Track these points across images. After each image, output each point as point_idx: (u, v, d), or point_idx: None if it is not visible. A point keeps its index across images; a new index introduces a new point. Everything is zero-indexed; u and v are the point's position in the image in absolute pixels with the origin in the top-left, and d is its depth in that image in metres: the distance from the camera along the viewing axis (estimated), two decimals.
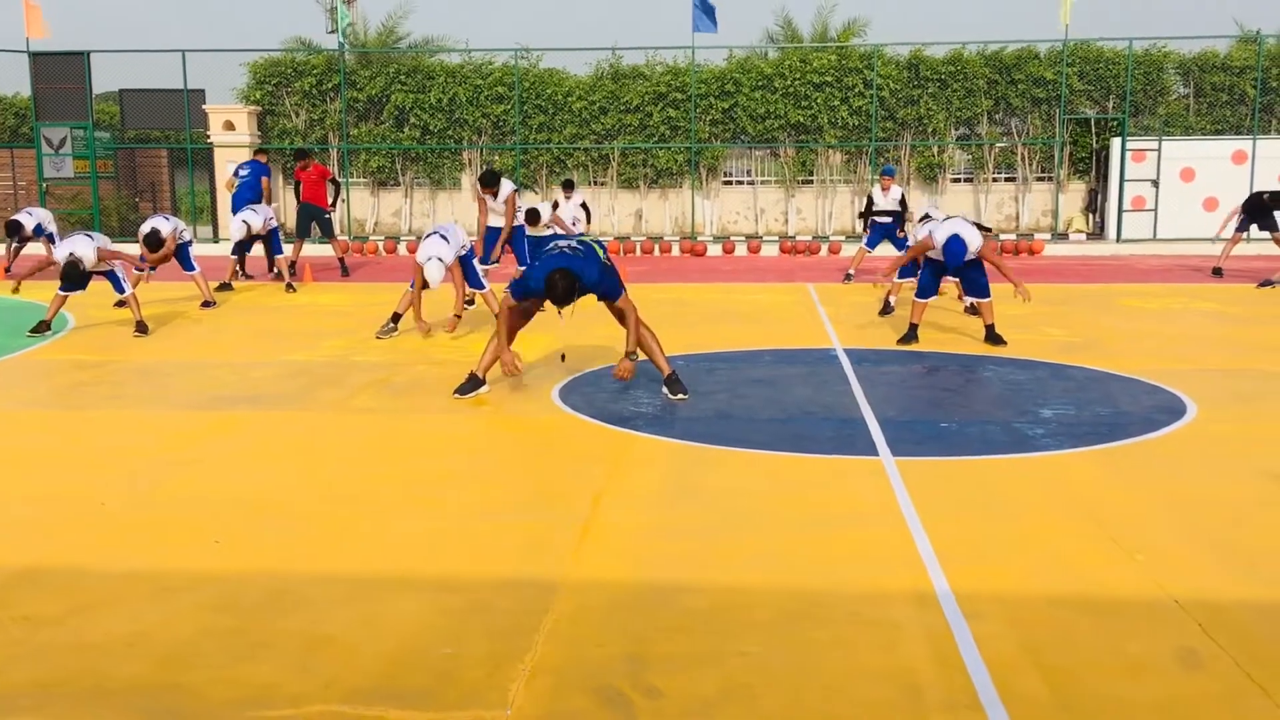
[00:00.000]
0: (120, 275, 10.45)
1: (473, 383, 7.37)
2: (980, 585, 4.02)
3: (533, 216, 13.31)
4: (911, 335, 9.53)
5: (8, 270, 15.67)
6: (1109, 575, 4.16)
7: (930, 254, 9.68)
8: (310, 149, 17.88)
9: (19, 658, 3.46)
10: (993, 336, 9.41)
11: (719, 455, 5.96)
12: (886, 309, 11.36)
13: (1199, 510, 4.99)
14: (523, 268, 12.97)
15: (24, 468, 5.82)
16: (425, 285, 9.72)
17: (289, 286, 13.85)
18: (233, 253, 14.18)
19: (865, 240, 14.96)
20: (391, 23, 25.00)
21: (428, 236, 10.00)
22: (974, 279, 9.66)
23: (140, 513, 5.01)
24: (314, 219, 15.99)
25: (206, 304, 12.14)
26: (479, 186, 12.56)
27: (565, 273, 6.85)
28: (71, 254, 10.09)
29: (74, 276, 10.09)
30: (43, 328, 10.13)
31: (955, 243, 9.26)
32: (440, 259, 9.63)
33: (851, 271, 14.95)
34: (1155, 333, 10.34)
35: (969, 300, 10.47)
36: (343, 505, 5.14)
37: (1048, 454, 5.92)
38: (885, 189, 14.69)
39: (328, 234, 16.45)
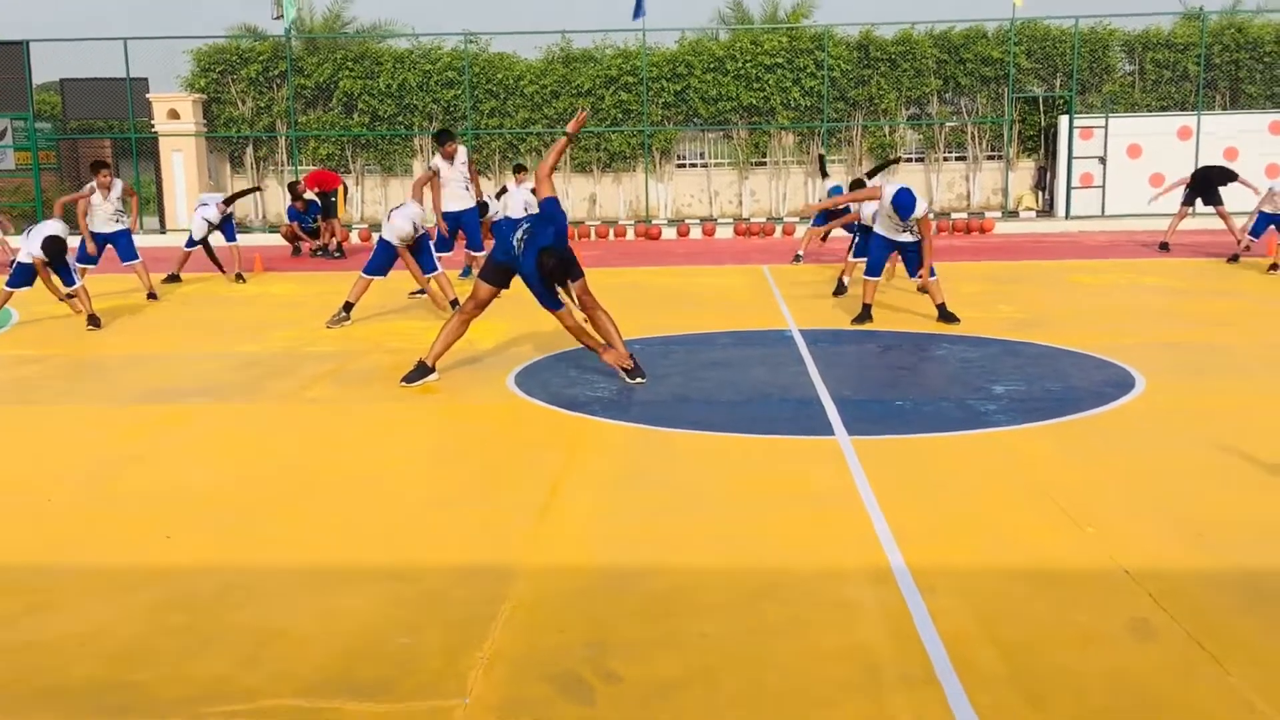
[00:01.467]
0: (70, 266, 10.25)
1: (421, 371, 7.31)
2: (935, 561, 4.06)
3: (482, 209, 13.19)
4: (865, 315, 9.58)
5: None
6: (1061, 548, 4.20)
7: (876, 226, 9.71)
8: (296, 180, 18.22)
9: None
10: (945, 315, 9.48)
11: (676, 438, 5.95)
12: (840, 289, 11.41)
13: (1149, 482, 5.06)
14: (479, 253, 12.90)
15: None
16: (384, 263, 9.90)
17: (239, 276, 13.67)
18: (187, 245, 13.94)
19: (812, 220, 14.99)
20: (338, 8, 24.70)
21: (389, 215, 10.08)
22: (911, 260, 9.68)
23: (90, 508, 4.93)
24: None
25: (151, 295, 11.95)
26: (437, 145, 12.45)
27: (550, 250, 6.85)
28: (22, 262, 9.94)
29: (25, 278, 9.95)
30: None
31: (905, 194, 9.28)
32: (414, 223, 9.80)
33: (800, 253, 14.98)
34: (1104, 308, 10.48)
35: (919, 283, 10.53)
36: (295, 497, 5.08)
37: (1001, 430, 5.98)
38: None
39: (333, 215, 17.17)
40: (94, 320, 10.01)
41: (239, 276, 13.67)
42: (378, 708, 3.05)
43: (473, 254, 13.22)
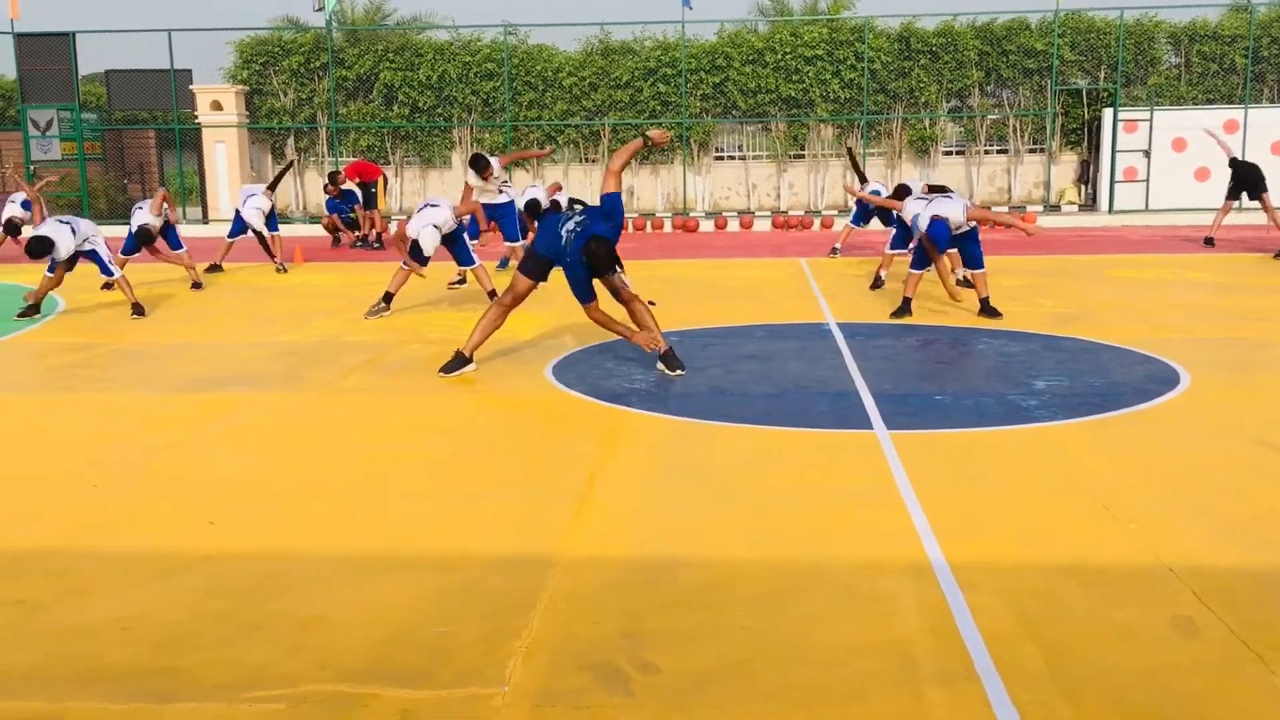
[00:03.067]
0: (105, 258, 10.36)
1: (459, 361, 7.34)
2: (975, 557, 4.02)
3: (533, 208, 13.11)
4: (905, 309, 9.52)
5: None
6: (1103, 545, 4.16)
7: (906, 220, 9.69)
8: (335, 171, 18.31)
9: (12, 642, 3.45)
10: (988, 309, 9.39)
11: (713, 431, 5.95)
12: (877, 283, 11.34)
13: (1193, 479, 4.99)
14: (517, 244, 12.92)
15: (15, 451, 5.79)
16: (415, 252, 9.72)
17: (280, 267, 13.79)
18: (230, 235, 14.09)
19: (851, 218, 14.83)
20: (379, 0, 24.81)
21: (420, 209, 10.00)
22: (969, 250, 9.63)
23: (132, 495, 4.99)
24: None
25: (196, 285, 12.09)
26: (470, 172, 12.48)
27: (601, 239, 6.92)
28: (46, 234, 9.96)
29: (37, 253, 9.91)
30: (31, 311, 10.07)
31: (938, 227, 9.23)
32: (436, 226, 9.66)
33: (838, 246, 14.87)
34: (1148, 303, 10.34)
35: (962, 273, 10.45)
36: (334, 486, 5.12)
37: (1041, 425, 5.92)
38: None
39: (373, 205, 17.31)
40: (138, 309, 10.13)
41: (281, 267, 13.79)
42: (417, 694, 3.07)
43: (511, 246, 13.25)
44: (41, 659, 3.33)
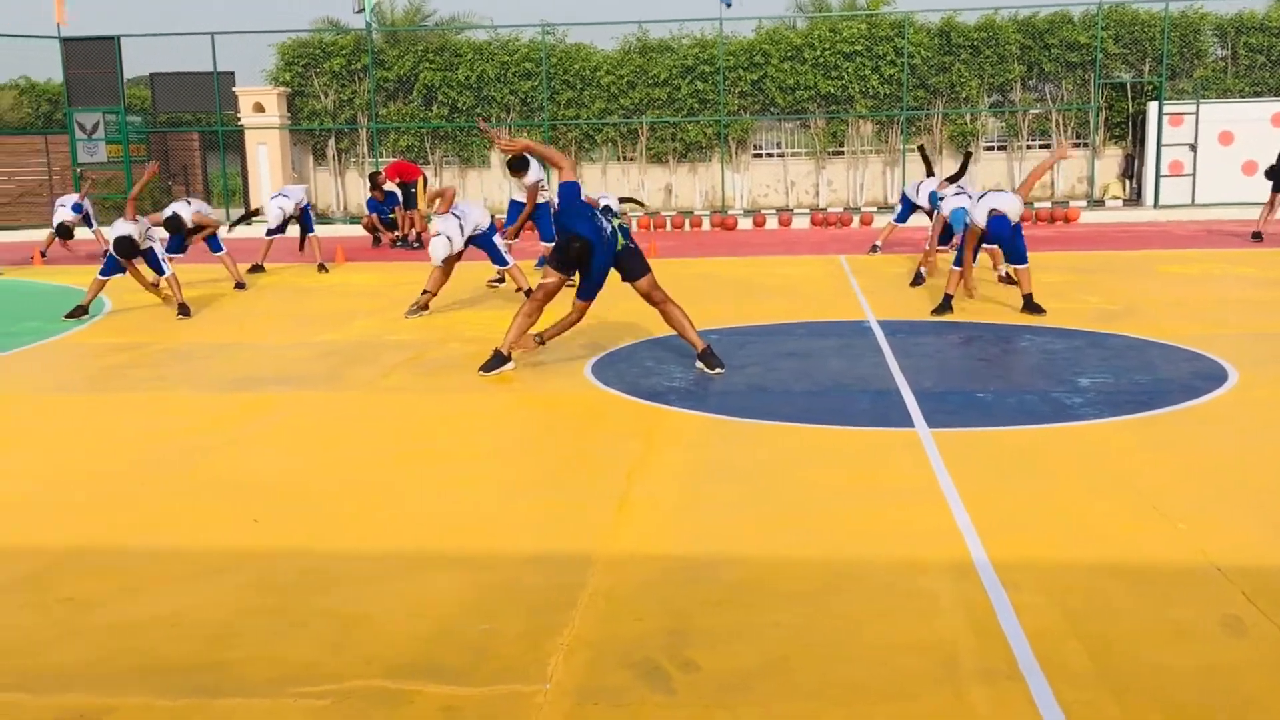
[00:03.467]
0: (160, 256, 10.50)
1: (497, 360, 7.38)
2: (1019, 555, 3.99)
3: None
4: (945, 306, 9.44)
5: (43, 255, 15.86)
6: (1150, 544, 4.11)
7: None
8: (376, 170, 18.44)
9: (65, 638, 3.51)
10: (1031, 305, 9.30)
11: (753, 429, 5.94)
12: (918, 280, 11.26)
13: (1241, 477, 4.92)
14: (550, 243, 12.95)
15: (66, 450, 5.89)
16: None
17: (321, 267, 13.93)
18: (268, 234, 14.25)
19: (895, 215, 14.69)
20: (418, 1, 24.97)
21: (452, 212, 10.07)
22: (1013, 245, 9.51)
23: (179, 494, 5.07)
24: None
25: (239, 285, 12.23)
26: (513, 174, 12.53)
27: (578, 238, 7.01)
28: (128, 234, 10.16)
29: (126, 251, 10.15)
30: (79, 312, 10.23)
31: (999, 222, 9.13)
32: (448, 237, 9.71)
33: (879, 243, 14.75)
34: (1194, 299, 10.20)
35: (1004, 269, 10.36)
36: (377, 484, 5.17)
37: (1086, 423, 5.86)
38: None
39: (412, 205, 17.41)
40: (184, 309, 10.27)
41: (321, 267, 13.92)
42: (460, 691, 3.09)
43: (549, 245, 13.28)
44: (93, 655, 3.39)
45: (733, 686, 3.10)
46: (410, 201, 17.42)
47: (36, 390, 7.48)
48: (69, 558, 4.23)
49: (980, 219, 9.24)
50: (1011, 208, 9.20)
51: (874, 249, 14.64)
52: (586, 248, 7.11)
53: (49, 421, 6.58)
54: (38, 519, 4.73)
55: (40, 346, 9.07)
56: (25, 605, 3.77)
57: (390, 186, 17.40)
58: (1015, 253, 9.51)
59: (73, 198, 15.16)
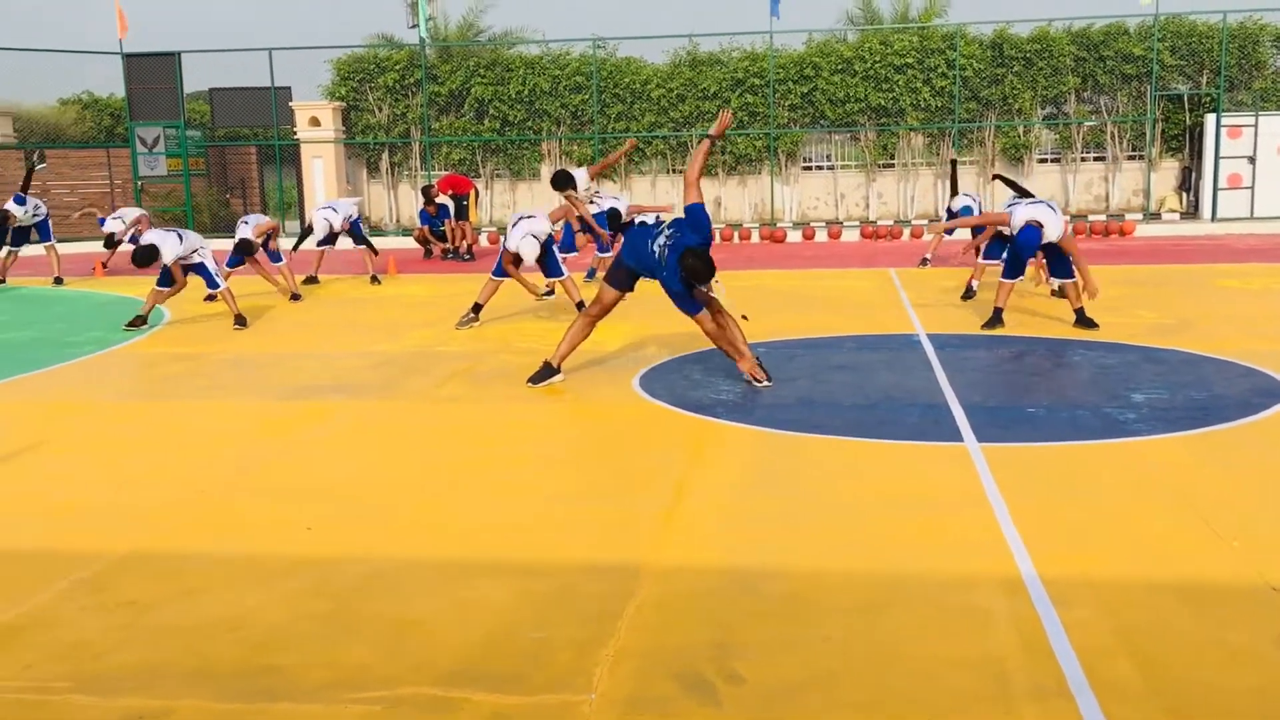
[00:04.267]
0: (211, 270, 10.71)
1: (546, 371, 7.43)
2: (1070, 572, 3.96)
3: (613, 219, 13.12)
4: (996, 319, 9.37)
5: (104, 266, 16.20)
6: (1204, 562, 4.06)
7: (1006, 230, 9.52)
8: (429, 184, 18.61)
9: (125, 641, 3.60)
10: (1083, 320, 9.20)
11: (801, 442, 5.94)
12: (969, 293, 11.18)
13: None
14: (606, 255, 13.00)
15: (128, 456, 6.03)
16: (518, 263, 9.87)
17: (374, 278, 14.10)
18: (319, 245, 14.41)
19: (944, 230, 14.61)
20: (471, 16, 25.24)
21: (516, 221, 10.08)
22: (1060, 259, 9.44)
23: (237, 499, 5.17)
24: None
25: (294, 297, 12.42)
26: (559, 189, 12.57)
27: (695, 251, 6.95)
28: (152, 243, 10.32)
29: (143, 260, 10.25)
30: (139, 322, 10.45)
31: (1029, 232, 9.04)
32: (534, 235, 9.77)
33: (928, 256, 14.67)
34: (1252, 314, 10.03)
35: (1056, 283, 10.26)
36: (429, 492, 5.24)
37: (1140, 439, 5.79)
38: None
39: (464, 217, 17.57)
40: (241, 320, 10.46)
41: (374, 279, 14.11)
42: (508, 700, 3.13)
43: (600, 257, 13.35)
44: (152, 657, 3.47)
45: (779, 700, 3.11)
46: (462, 214, 17.62)
47: (98, 398, 7.66)
48: (130, 561, 4.34)
49: (1016, 222, 9.18)
50: (1052, 225, 9.11)
51: (924, 262, 14.56)
52: (633, 275, 7.35)
53: (111, 428, 6.74)
54: (100, 523, 4.85)
55: (102, 356, 9.28)
56: (87, 608, 3.87)
57: (443, 199, 17.60)
58: (1060, 267, 9.42)
59: (133, 212, 15.42)
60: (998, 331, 9.22)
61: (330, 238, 14.25)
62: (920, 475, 5.27)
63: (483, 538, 4.55)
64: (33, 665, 3.42)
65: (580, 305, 9.99)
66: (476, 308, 10.14)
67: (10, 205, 14.89)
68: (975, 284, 11.27)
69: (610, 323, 8.12)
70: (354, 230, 14.46)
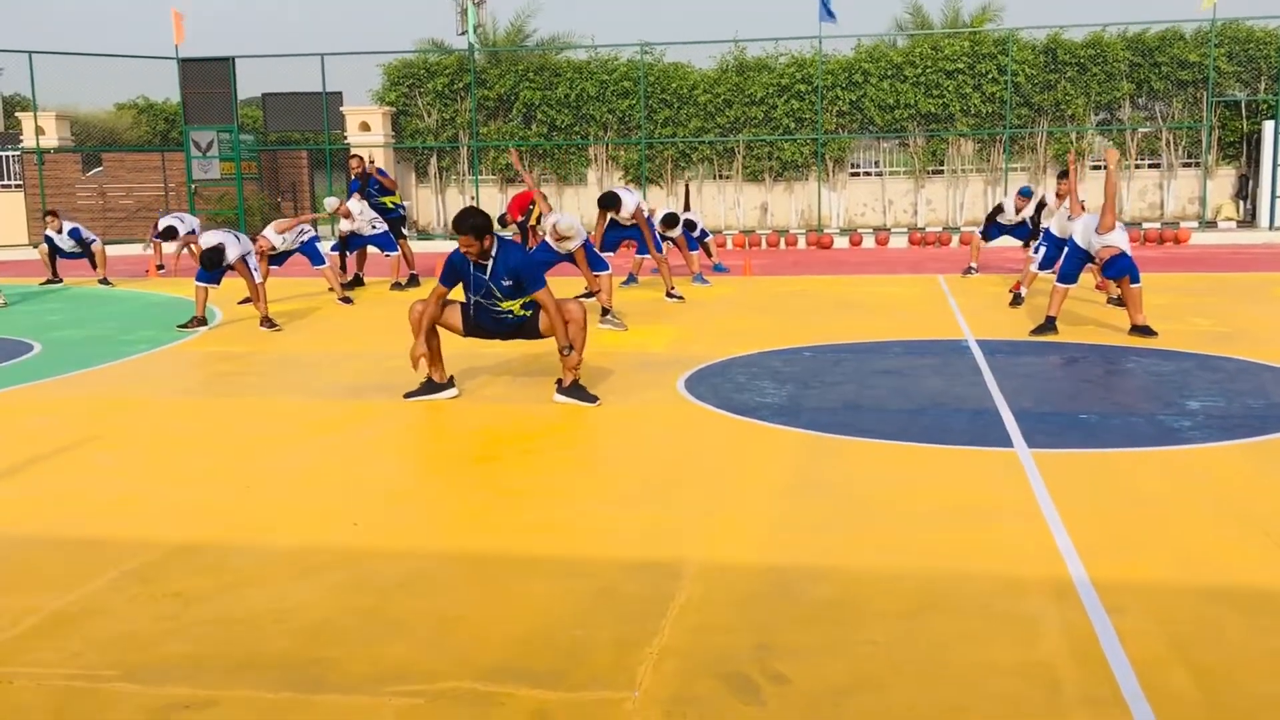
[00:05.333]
0: (252, 266, 10.71)
1: (430, 387, 7.18)
2: (1123, 579, 3.88)
3: (670, 221, 12.96)
4: (1048, 326, 9.24)
5: (159, 268, 16.45)
6: (1263, 571, 3.96)
7: (1075, 236, 9.41)
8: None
9: (172, 631, 3.63)
10: (1140, 328, 9.04)
11: (846, 445, 5.88)
12: (1017, 300, 11.04)
13: None
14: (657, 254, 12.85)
15: (177, 452, 6.10)
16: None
17: (395, 284, 13.94)
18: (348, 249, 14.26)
19: (980, 231, 14.40)
20: (520, 21, 25.41)
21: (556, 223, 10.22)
22: (1115, 265, 9.27)
23: (283, 495, 5.21)
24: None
25: (344, 299, 12.48)
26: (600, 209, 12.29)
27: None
28: (219, 243, 10.49)
29: (214, 262, 10.43)
30: (196, 323, 10.56)
31: (1075, 250, 9.06)
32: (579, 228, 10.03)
33: (974, 265, 14.42)
34: None
35: (1115, 292, 10.12)
36: (473, 490, 5.25)
37: (1195, 447, 5.68)
38: (1018, 209, 13.57)
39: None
40: (268, 322, 10.50)
41: (396, 284, 13.90)
42: (550, 695, 3.12)
43: (639, 257, 13.26)
44: (198, 649, 3.49)
45: (824, 702, 3.07)
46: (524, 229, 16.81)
47: (150, 395, 7.76)
48: (178, 554, 4.38)
49: (1075, 231, 9.20)
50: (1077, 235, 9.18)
51: (970, 270, 14.38)
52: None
53: (161, 425, 6.82)
54: (150, 516, 4.90)
55: (154, 354, 9.42)
56: (135, 598, 3.91)
57: (513, 225, 16.64)
58: (1117, 272, 9.24)
59: (193, 221, 15.51)
60: (1049, 338, 9.09)
61: (353, 242, 13.88)
62: (969, 481, 5.20)
63: (525, 536, 4.55)
64: (81, 653, 3.46)
65: (605, 312, 9.92)
66: (604, 311, 10.04)
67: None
68: (1024, 291, 11.13)
69: (654, 324, 8.10)
70: (379, 240, 13.88)
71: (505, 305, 6.90)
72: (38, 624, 3.69)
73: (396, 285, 13.93)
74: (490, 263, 6.78)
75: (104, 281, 15.10)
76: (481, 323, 7.11)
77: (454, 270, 6.92)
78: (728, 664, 3.29)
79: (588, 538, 4.52)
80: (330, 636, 3.55)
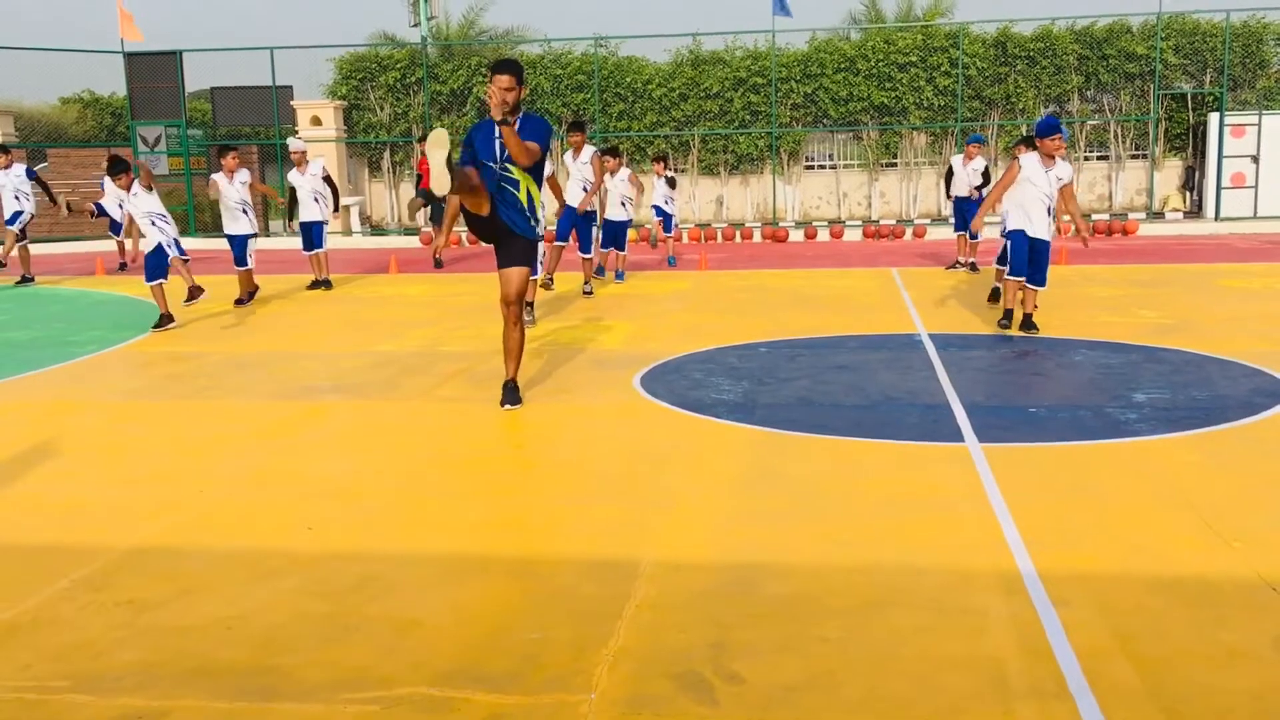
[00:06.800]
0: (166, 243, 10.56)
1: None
2: (1070, 572, 3.95)
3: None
4: (1027, 323, 9.17)
5: (122, 266, 16.21)
6: (1205, 562, 4.05)
7: (1008, 221, 9.44)
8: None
9: (124, 640, 3.60)
10: (1028, 323, 9.11)
11: (800, 442, 5.93)
12: (995, 295, 11.04)
13: None
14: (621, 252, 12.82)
15: (127, 455, 6.03)
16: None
17: (320, 283, 13.54)
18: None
19: (955, 226, 14.42)
20: (473, 15, 25.27)
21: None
22: (1042, 265, 9.24)
23: (236, 499, 5.17)
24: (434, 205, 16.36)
25: (240, 301, 11.89)
26: (610, 159, 12.82)
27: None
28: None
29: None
30: (166, 320, 10.36)
31: (1046, 123, 9.13)
32: None
33: (973, 260, 14.02)
34: (1256, 314, 10.01)
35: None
36: (429, 492, 5.24)
37: (1141, 439, 5.78)
38: (968, 158, 13.76)
39: (438, 221, 16.54)
40: (194, 293, 10.56)
41: (320, 283, 13.56)
42: (507, 699, 3.13)
43: (604, 253, 13.27)
44: (150, 657, 3.47)
45: (777, 700, 3.11)
46: (438, 214, 16.62)
47: (99, 397, 7.66)
48: (130, 559, 4.34)
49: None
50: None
51: (972, 267, 14.03)
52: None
53: (111, 427, 6.74)
54: (100, 522, 4.85)
55: (102, 355, 9.29)
56: (86, 606, 3.87)
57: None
58: (1039, 269, 9.25)
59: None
60: (1024, 333, 9.08)
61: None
62: (921, 475, 5.27)
63: (481, 538, 4.55)
64: (31, 665, 3.42)
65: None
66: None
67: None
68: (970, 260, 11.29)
69: (612, 322, 8.11)
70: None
71: (514, 173, 6.74)
72: None
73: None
74: (516, 124, 6.71)
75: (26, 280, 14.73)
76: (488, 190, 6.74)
77: (470, 143, 6.90)
78: (683, 664, 3.32)
79: (543, 537, 4.53)
80: (284, 643, 3.54)
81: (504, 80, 6.59)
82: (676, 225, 16.46)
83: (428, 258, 17.16)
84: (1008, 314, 9.33)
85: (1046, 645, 3.38)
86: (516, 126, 6.69)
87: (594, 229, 12.94)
